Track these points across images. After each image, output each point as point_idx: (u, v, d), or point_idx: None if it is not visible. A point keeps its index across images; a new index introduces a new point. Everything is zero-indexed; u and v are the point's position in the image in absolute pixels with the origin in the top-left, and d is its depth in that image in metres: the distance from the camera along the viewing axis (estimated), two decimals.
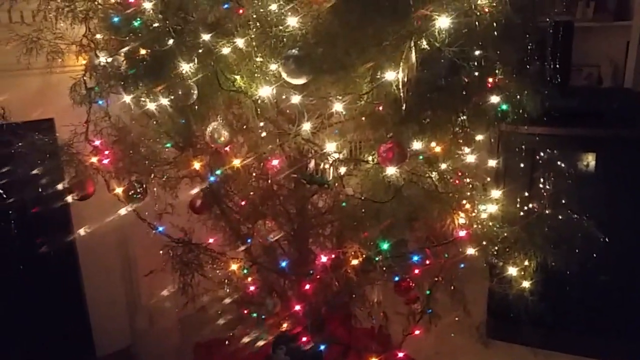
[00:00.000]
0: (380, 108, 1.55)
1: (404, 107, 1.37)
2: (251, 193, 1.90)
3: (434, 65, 1.41)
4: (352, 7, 1.41)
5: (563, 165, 2.62)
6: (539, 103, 2.03)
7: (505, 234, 1.93)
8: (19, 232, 2.03)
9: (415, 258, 1.84)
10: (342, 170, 1.69)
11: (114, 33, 2.05)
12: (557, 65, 2.61)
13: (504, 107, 2.02)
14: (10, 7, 2.17)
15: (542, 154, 2.63)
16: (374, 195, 1.70)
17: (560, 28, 2.58)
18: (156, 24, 1.86)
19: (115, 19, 2.03)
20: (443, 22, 1.32)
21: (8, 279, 2.41)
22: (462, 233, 1.81)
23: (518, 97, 2.00)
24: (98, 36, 2.11)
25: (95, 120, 2.13)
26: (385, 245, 1.70)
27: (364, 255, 1.68)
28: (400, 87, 1.35)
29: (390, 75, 1.38)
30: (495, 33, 1.49)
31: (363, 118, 1.62)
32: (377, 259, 1.71)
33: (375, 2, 1.40)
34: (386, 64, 1.39)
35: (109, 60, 2.06)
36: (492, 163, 2.26)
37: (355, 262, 1.68)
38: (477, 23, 1.41)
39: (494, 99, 1.92)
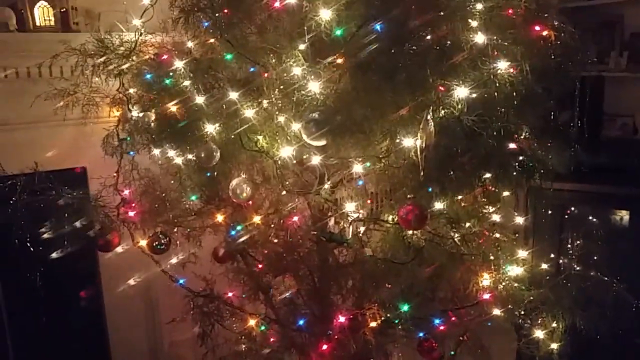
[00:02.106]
0: (400, 171, 1.55)
1: (422, 173, 1.37)
2: (271, 248, 1.90)
3: (452, 133, 1.40)
4: (371, 75, 1.43)
5: (593, 223, 2.54)
6: (566, 160, 1.99)
7: (532, 297, 1.87)
8: (45, 282, 2.07)
9: (437, 321, 1.80)
10: (362, 229, 1.68)
11: (146, 89, 2.14)
12: (586, 120, 2.56)
13: (530, 163, 1.99)
14: (51, 63, 2.28)
15: (571, 211, 2.56)
16: (393, 255, 1.68)
17: (589, 83, 2.55)
18: (186, 82, 1.94)
19: (148, 76, 2.11)
20: (461, 92, 1.32)
21: (34, 332, 2.43)
22: (487, 296, 1.76)
23: (545, 154, 1.97)
24: (131, 91, 2.20)
25: (125, 171, 2.20)
26: (405, 307, 1.67)
27: (382, 318, 1.65)
28: (419, 153, 1.35)
29: (408, 142, 1.39)
30: (516, 101, 1.49)
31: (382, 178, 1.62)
32: (396, 321, 1.68)
33: (393, 71, 1.42)
34: (404, 130, 1.39)
35: (140, 115, 2.14)
36: (519, 220, 2.21)
37: (374, 324, 1.65)
38: (496, 93, 1.41)
39: (520, 157, 1.90)
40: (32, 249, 1.80)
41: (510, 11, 1.54)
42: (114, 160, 2.22)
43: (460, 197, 1.71)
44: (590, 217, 2.54)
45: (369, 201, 1.77)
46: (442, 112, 1.38)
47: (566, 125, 2.32)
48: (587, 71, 2.03)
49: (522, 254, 1.95)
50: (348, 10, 1.48)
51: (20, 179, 1.79)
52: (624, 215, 2.65)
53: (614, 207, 2.59)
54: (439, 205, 1.67)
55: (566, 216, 2.58)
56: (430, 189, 1.54)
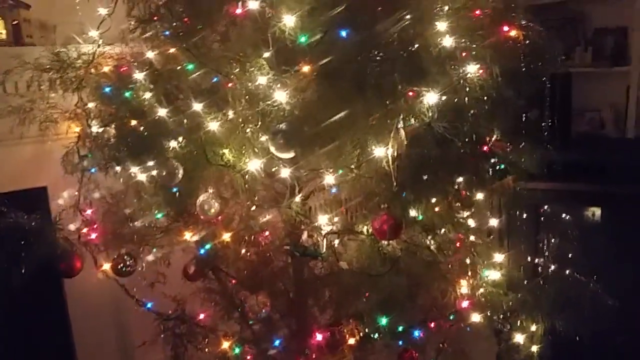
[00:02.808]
0: (372, 180, 1.50)
1: (395, 183, 1.32)
2: (244, 264, 1.84)
3: (424, 140, 1.36)
4: (338, 84, 1.38)
5: (567, 221, 2.54)
6: (539, 159, 1.98)
7: (510, 301, 1.85)
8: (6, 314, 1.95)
9: (417, 332, 1.76)
10: (336, 241, 1.63)
11: (106, 103, 2.05)
12: (556, 117, 2.57)
13: (502, 166, 1.97)
14: (4, 79, 2.18)
15: (545, 210, 2.56)
16: (369, 267, 1.63)
17: (557, 80, 2.55)
18: (147, 95, 1.86)
19: (107, 89, 2.03)
20: (431, 98, 1.28)
21: None
22: (465, 304, 1.73)
23: (516, 155, 1.95)
24: (90, 105, 2.11)
25: (87, 189, 2.10)
26: (383, 321, 1.63)
27: (361, 333, 1.60)
28: (390, 163, 1.31)
29: (379, 151, 1.34)
30: (487, 105, 1.46)
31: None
32: (375, 335, 1.63)
33: (361, 79, 1.37)
34: (375, 140, 1.35)
35: (100, 130, 2.05)
36: (494, 222, 2.19)
37: (352, 340, 1.60)
38: (467, 97, 1.38)
39: (491, 159, 1.88)
40: None
41: (477, 12, 1.51)
42: (76, 179, 2.13)
43: (434, 203, 1.67)
44: (564, 216, 2.54)
45: (342, 209, 1.72)
46: (413, 119, 1.33)
47: (537, 124, 2.30)
48: (556, 68, 2.02)
49: (499, 257, 1.93)
50: (312, 16, 1.43)
51: None
52: (596, 211, 2.66)
53: (586, 205, 2.60)
54: (413, 213, 1.63)
55: (540, 216, 2.57)
56: (404, 197, 1.49)
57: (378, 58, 1.34)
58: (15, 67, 2.07)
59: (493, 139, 1.85)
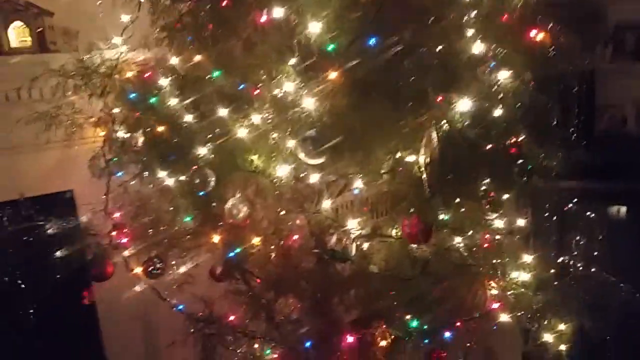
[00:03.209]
0: (403, 186, 1.50)
1: (427, 190, 1.33)
2: (272, 268, 1.85)
3: (456, 146, 1.36)
4: (368, 91, 1.38)
5: (593, 219, 2.53)
6: (565, 159, 1.97)
7: (539, 301, 1.84)
8: (38, 318, 1.98)
9: (447, 335, 1.76)
10: (365, 245, 1.63)
11: (131, 108, 2.07)
12: (581, 116, 2.54)
13: (529, 166, 1.96)
14: (30, 86, 2.20)
15: (570, 209, 2.54)
16: (399, 270, 1.63)
17: (582, 78, 2.52)
18: (173, 101, 1.87)
19: (132, 95, 2.04)
20: (463, 105, 1.28)
21: None
22: (495, 305, 1.73)
23: (543, 155, 1.94)
24: (116, 110, 2.13)
25: (114, 193, 2.13)
26: (414, 324, 1.63)
27: (392, 336, 1.61)
28: (423, 169, 1.31)
29: (411, 158, 1.34)
30: (519, 112, 1.45)
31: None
32: (406, 337, 1.64)
33: (391, 87, 1.36)
34: (406, 146, 1.35)
35: (127, 135, 2.07)
36: (521, 222, 2.18)
37: (383, 343, 1.61)
38: (500, 105, 1.37)
39: (519, 160, 1.87)
40: (22, 286, 1.73)
41: (505, 17, 1.50)
42: (102, 183, 2.15)
43: (463, 206, 1.67)
44: (590, 214, 2.52)
45: (370, 213, 1.72)
46: (445, 126, 1.33)
47: (563, 124, 2.29)
48: (582, 68, 2.00)
49: (527, 258, 1.92)
50: (339, 23, 1.42)
51: (5, 211, 1.71)
52: (622, 209, 2.64)
53: (612, 203, 2.57)
54: (442, 216, 1.62)
55: (566, 215, 2.55)
56: (435, 201, 1.49)
57: (409, 66, 1.34)
58: (41, 74, 2.10)
59: (521, 139, 1.84)
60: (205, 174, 1.57)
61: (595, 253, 2.38)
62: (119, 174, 2.18)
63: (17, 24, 2.25)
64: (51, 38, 2.34)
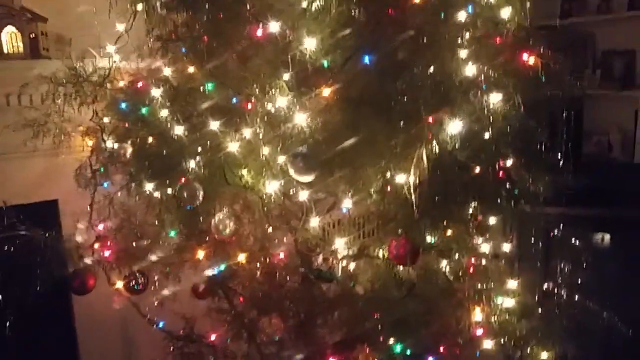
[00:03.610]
0: (391, 206, 1.50)
1: (416, 210, 1.32)
2: (256, 286, 1.83)
3: (445, 168, 1.36)
4: (360, 108, 1.39)
5: (578, 246, 2.54)
6: (551, 184, 1.98)
7: (523, 328, 1.84)
8: (16, 330, 1.93)
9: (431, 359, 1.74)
10: (352, 265, 1.62)
11: (121, 118, 2.05)
12: (569, 141, 2.56)
13: (516, 191, 1.97)
14: (20, 92, 2.18)
15: (556, 235, 2.55)
16: (385, 292, 1.62)
17: (570, 104, 2.55)
18: (164, 112, 1.86)
19: (123, 105, 2.03)
20: (454, 127, 1.28)
21: None
22: (480, 331, 1.72)
23: (530, 180, 1.95)
24: (105, 120, 2.11)
25: (99, 204, 2.09)
26: (398, 348, 1.61)
27: (375, 359, 1.59)
28: (412, 190, 1.30)
29: (400, 178, 1.34)
30: (509, 136, 1.46)
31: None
32: None
33: (384, 105, 1.37)
34: (396, 166, 1.34)
35: (116, 146, 2.05)
36: (506, 247, 2.18)
37: None
38: (490, 127, 1.38)
39: (507, 184, 1.87)
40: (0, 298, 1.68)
41: (498, 39, 1.51)
42: (87, 193, 2.12)
43: (450, 229, 1.67)
44: (574, 241, 2.53)
45: (358, 233, 1.71)
46: (435, 147, 1.33)
47: (551, 148, 2.30)
48: (572, 94, 2.03)
49: (512, 283, 1.92)
50: (334, 40, 1.43)
51: None
52: (606, 236, 2.65)
53: (596, 230, 2.59)
54: (430, 239, 1.62)
55: (551, 241, 2.56)
56: (423, 223, 1.49)
57: (402, 85, 1.34)
58: (32, 80, 2.08)
59: (508, 164, 1.84)
60: (193, 188, 1.55)
61: (580, 280, 2.39)
62: (105, 184, 2.15)
63: (10, 29, 2.24)
64: (44, 44, 2.33)
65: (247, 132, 1.60)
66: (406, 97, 1.32)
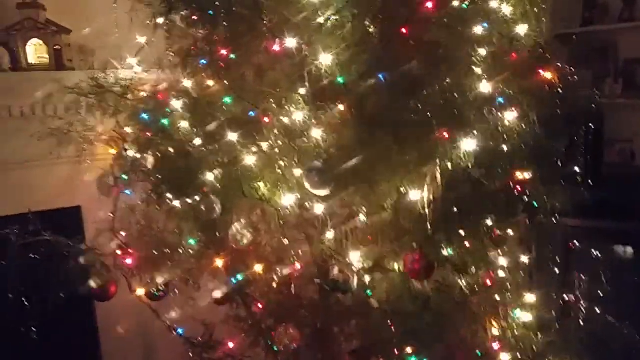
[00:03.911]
0: (406, 221, 1.51)
1: (430, 226, 1.33)
2: (273, 296, 1.85)
3: (459, 185, 1.36)
4: (375, 124, 1.40)
5: (598, 259, 2.51)
6: (569, 196, 1.96)
7: (541, 342, 1.82)
8: (40, 335, 1.98)
9: None
10: (367, 278, 1.63)
11: (143, 129, 2.09)
12: (589, 152, 2.53)
13: (534, 204, 1.96)
14: (45, 102, 2.24)
15: (576, 247, 2.52)
16: (400, 305, 1.63)
17: (590, 115, 2.52)
18: (184, 123, 1.89)
19: (144, 116, 2.07)
20: (468, 144, 1.29)
21: None
22: (496, 345, 1.71)
23: (548, 192, 1.94)
24: (127, 129, 2.16)
25: (121, 212, 2.14)
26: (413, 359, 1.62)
27: None
28: (426, 207, 1.31)
29: (414, 195, 1.35)
30: (524, 154, 1.45)
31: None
32: None
33: (398, 122, 1.38)
34: (410, 182, 1.35)
35: (137, 155, 2.10)
36: (524, 259, 2.16)
37: None
38: (504, 145, 1.38)
39: (524, 197, 1.86)
40: (26, 303, 1.74)
41: (514, 55, 1.51)
42: (110, 200, 2.17)
43: (466, 243, 1.67)
44: (595, 253, 2.50)
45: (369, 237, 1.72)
46: (449, 164, 1.34)
47: (568, 159, 2.28)
48: (590, 106, 2.01)
49: (530, 297, 1.91)
50: (348, 55, 1.45)
51: (12, 229, 1.72)
52: (628, 249, 2.61)
53: (618, 242, 2.55)
54: (445, 253, 1.62)
55: (570, 253, 2.53)
56: (437, 238, 1.49)
57: (416, 104, 1.35)
58: (56, 91, 2.13)
59: (525, 176, 1.83)
60: (211, 201, 1.58)
61: (600, 294, 2.36)
62: (128, 192, 2.19)
63: (35, 41, 2.30)
64: (68, 55, 2.40)
65: (264, 145, 1.63)
66: (419, 115, 1.33)
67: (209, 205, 1.58)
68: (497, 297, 1.81)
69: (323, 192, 1.48)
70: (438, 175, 1.31)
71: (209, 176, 1.64)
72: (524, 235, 2.11)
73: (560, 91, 1.67)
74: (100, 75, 2.12)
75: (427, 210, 1.33)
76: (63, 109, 2.34)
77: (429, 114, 1.32)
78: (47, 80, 2.23)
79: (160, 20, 1.96)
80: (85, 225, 2.50)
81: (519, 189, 1.82)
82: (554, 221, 2.14)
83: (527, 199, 1.83)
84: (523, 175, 1.81)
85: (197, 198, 1.61)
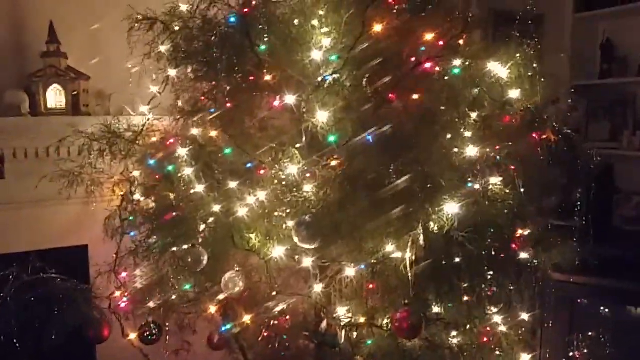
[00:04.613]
0: (392, 278, 1.51)
1: (411, 288, 1.33)
2: (263, 345, 1.85)
3: (443, 247, 1.37)
4: (361, 184, 1.42)
5: (605, 318, 2.43)
6: (571, 254, 1.93)
7: None
8: None
9: None
10: (354, 334, 1.62)
11: (149, 174, 2.16)
12: (595, 205, 2.49)
13: (534, 261, 1.93)
14: (60, 144, 2.33)
15: (581, 305, 2.46)
16: None
17: (598, 171, 2.49)
18: (188, 171, 1.95)
19: (151, 162, 2.14)
20: (451, 208, 1.30)
21: None
22: None
23: (551, 247, 1.92)
24: (135, 173, 2.23)
25: (125, 252, 2.18)
26: None
27: None
28: (408, 267, 1.32)
29: (396, 254, 1.36)
30: (510, 217, 1.45)
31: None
32: None
33: (382, 184, 1.40)
34: (394, 241, 1.36)
35: (142, 198, 2.16)
36: (525, 316, 2.12)
37: None
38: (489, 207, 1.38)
39: (520, 255, 1.85)
40: (22, 344, 1.76)
41: (506, 119, 1.53)
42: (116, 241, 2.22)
43: (458, 301, 1.65)
44: (602, 312, 2.43)
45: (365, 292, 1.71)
46: (433, 226, 1.35)
47: (576, 213, 2.25)
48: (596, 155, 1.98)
49: (525, 358, 1.86)
50: (342, 115, 1.49)
51: (12, 270, 1.77)
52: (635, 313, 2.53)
53: (626, 303, 2.47)
54: (435, 310, 1.61)
55: (575, 311, 2.47)
56: (425, 296, 1.49)
57: (401, 165, 1.37)
58: (69, 135, 2.22)
59: (521, 234, 1.82)
60: (198, 252, 1.61)
61: (606, 354, 2.28)
62: (132, 233, 2.24)
63: (55, 86, 2.42)
64: (84, 100, 2.50)
65: (260, 195, 1.67)
66: (402, 176, 1.35)
67: (196, 256, 1.61)
68: (493, 357, 1.77)
69: (311, 246, 1.50)
70: (421, 237, 1.32)
71: (201, 226, 1.67)
72: (525, 292, 2.08)
73: (560, 150, 1.67)
74: (113, 122, 2.21)
75: (409, 272, 1.33)
76: (76, 151, 2.43)
77: (412, 176, 1.34)
78: (62, 124, 2.32)
79: (173, 72, 2.05)
80: (90, 264, 2.55)
81: (516, 245, 1.80)
82: (560, 276, 2.10)
83: (521, 258, 1.81)
84: (521, 230, 1.80)
85: (184, 250, 1.63)
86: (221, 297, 1.83)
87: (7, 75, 2.44)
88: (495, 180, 1.41)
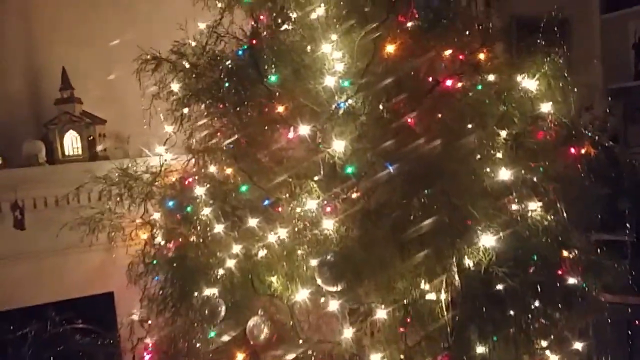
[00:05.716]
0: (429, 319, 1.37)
1: (450, 332, 1.19)
2: None
3: (483, 285, 1.23)
4: (383, 221, 1.30)
5: None
6: (626, 271, 1.76)
7: None
8: None
9: None
10: None
11: (168, 216, 2.09)
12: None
13: (583, 285, 1.76)
14: (78, 192, 2.29)
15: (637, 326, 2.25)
16: None
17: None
18: (207, 211, 1.87)
19: (170, 203, 2.08)
20: (487, 241, 1.16)
21: None
22: None
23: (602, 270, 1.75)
24: (155, 216, 2.17)
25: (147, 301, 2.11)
26: None
27: None
28: (444, 311, 1.18)
29: (430, 296, 1.23)
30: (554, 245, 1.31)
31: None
32: None
33: (410, 217, 1.28)
34: (426, 280, 1.23)
35: (163, 242, 2.09)
36: (578, 346, 1.94)
37: None
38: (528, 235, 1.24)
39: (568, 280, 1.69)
40: None
41: (540, 134, 1.39)
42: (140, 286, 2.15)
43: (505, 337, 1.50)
44: None
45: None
46: (469, 262, 1.21)
47: (619, 227, 2.07)
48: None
49: None
50: (359, 145, 1.38)
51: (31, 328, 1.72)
52: None
53: None
54: (480, 351, 1.46)
55: (633, 335, 2.26)
56: (467, 336, 1.35)
57: (428, 199, 1.25)
58: (87, 182, 2.17)
59: (567, 257, 1.66)
60: (215, 304, 1.51)
61: None
62: (156, 277, 2.18)
63: (72, 133, 2.39)
64: (101, 145, 2.46)
65: (281, 232, 1.57)
66: (429, 209, 1.22)
67: (213, 307, 1.51)
68: None
69: (335, 288, 1.38)
70: (455, 276, 1.19)
71: (220, 271, 1.58)
72: (576, 320, 1.91)
73: (601, 164, 1.53)
74: (130, 165, 2.16)
75: (445, 314, 1.20)
76: (96, 197, 2.38)
77: (439, 209, 1.21)
78: (80, 171, 2.29)
79: (185, 110, 1.99)
80: (117, 311, 2.49)
81: (563, 270, 1.65)
82: (609, 300, 1.93)
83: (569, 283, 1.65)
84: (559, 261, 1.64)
85: (200, 301, 1.54)
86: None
87: (25, 125, 2.42)
88: (534, 206, 1.27)
